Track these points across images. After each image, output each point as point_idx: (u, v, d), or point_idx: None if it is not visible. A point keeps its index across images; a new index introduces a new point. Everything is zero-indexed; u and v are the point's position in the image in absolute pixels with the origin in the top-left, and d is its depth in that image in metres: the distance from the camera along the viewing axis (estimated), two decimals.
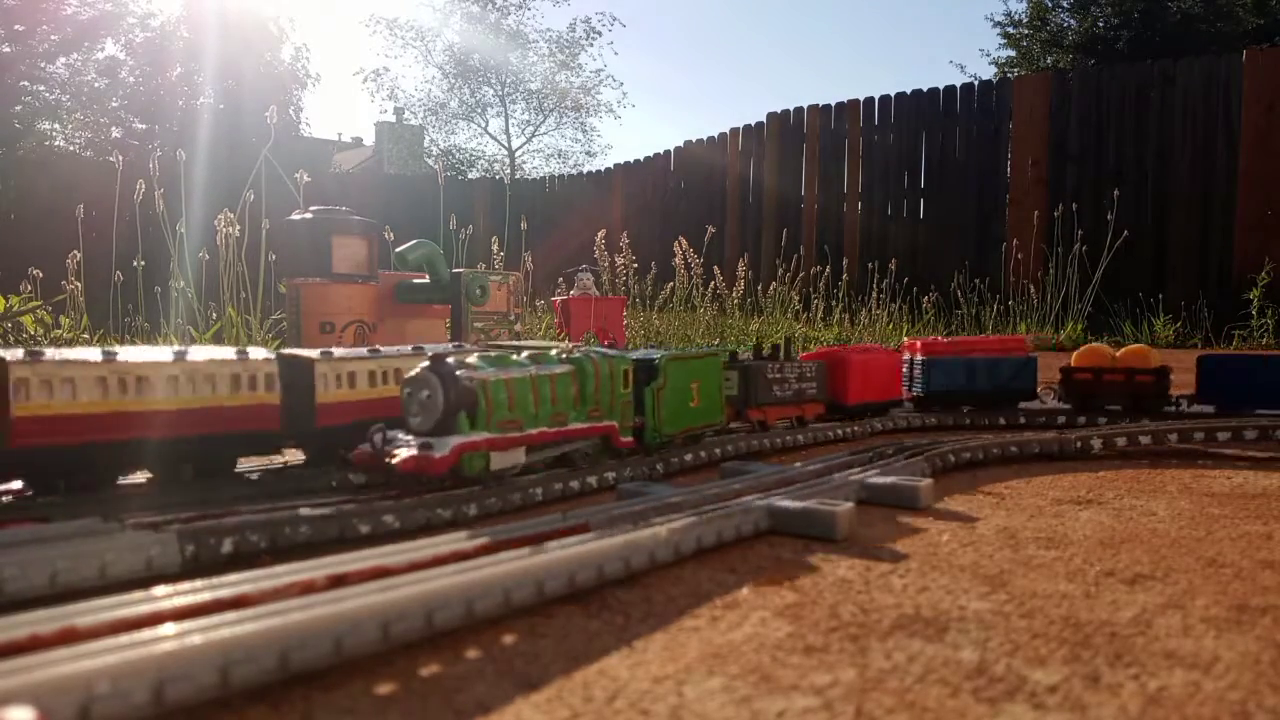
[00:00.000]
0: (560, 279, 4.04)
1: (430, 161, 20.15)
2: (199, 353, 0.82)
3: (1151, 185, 5.55)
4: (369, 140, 26.08)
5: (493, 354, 0.85)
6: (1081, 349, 1.44)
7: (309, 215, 1.47)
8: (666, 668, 0.48)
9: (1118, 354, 1.41)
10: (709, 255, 4.78)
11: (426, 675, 0.47)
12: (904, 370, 1.51)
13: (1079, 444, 1.16)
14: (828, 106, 6.92)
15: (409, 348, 1.00)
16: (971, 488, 0.97)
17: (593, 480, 0.92)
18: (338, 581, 0.52)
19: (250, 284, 2.53)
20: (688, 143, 8.16)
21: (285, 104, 11.67)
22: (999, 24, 13.15)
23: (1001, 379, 1.44)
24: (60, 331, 2.38)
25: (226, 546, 0.64)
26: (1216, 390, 1.37)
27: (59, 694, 0.36)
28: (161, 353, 0.79)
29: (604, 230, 4.38)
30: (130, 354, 0.77)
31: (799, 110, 7.06)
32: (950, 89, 6.40)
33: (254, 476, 0.89)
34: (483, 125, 20.06)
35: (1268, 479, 1.02)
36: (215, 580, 0.51)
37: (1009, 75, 11.09)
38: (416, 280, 1.63)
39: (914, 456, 1.02)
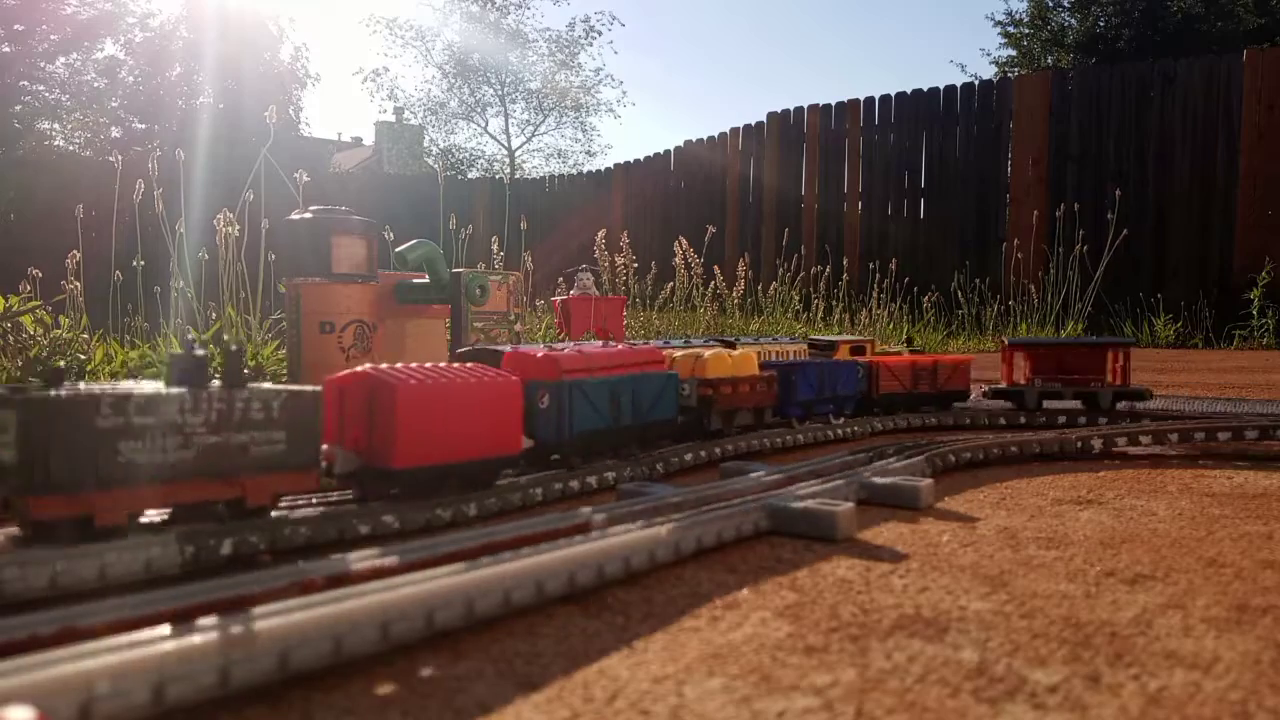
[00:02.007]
0: (560, 279, 4.04)
1: (430, 161, 20.15)
2: None
3: (1152, 185, 5.55)
4: (369, 140, 26.10)
5: None
6: (707, 359, 1.13)
7: (309, 215, 1.47)
8: (666, 668, 0.48)
9: (731, 360, 1.20)
10: (709, 255, 4.78)
11: (426, 675, 0.47)
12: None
13: (1079, 444, 1.16)
14: (828, 106, 6.92)
15: None
16: (971, 488, 0.97)
17: (592, 480, 0.92)
18: (338, 581, 0.52)
19: (250, 284, 2.53)
20: (688, 143, 8.16)
21: (285, 104, 11.67)
22: (999, 23, 13.16)
23: (644, 408, 0.99)
24: (60, 331, 2.38)
25: (226, 548, 0.64)
26: (795, 396, 1.27)
27: (59, 694, 0.36)
28: None
29: (604, 230, 4.38)
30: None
31: (799, 110, 7.06)
32: (950, 89, 6.40)
33: None
34: (482, 125, 20.08)
35: (1268, 479, 1.02)
36: (215, 581, 0.51)
37: (1009, 75, 11.09)
38: (416, 280, 1.63)
39: (914, 456, 1.01)
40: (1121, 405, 1.46)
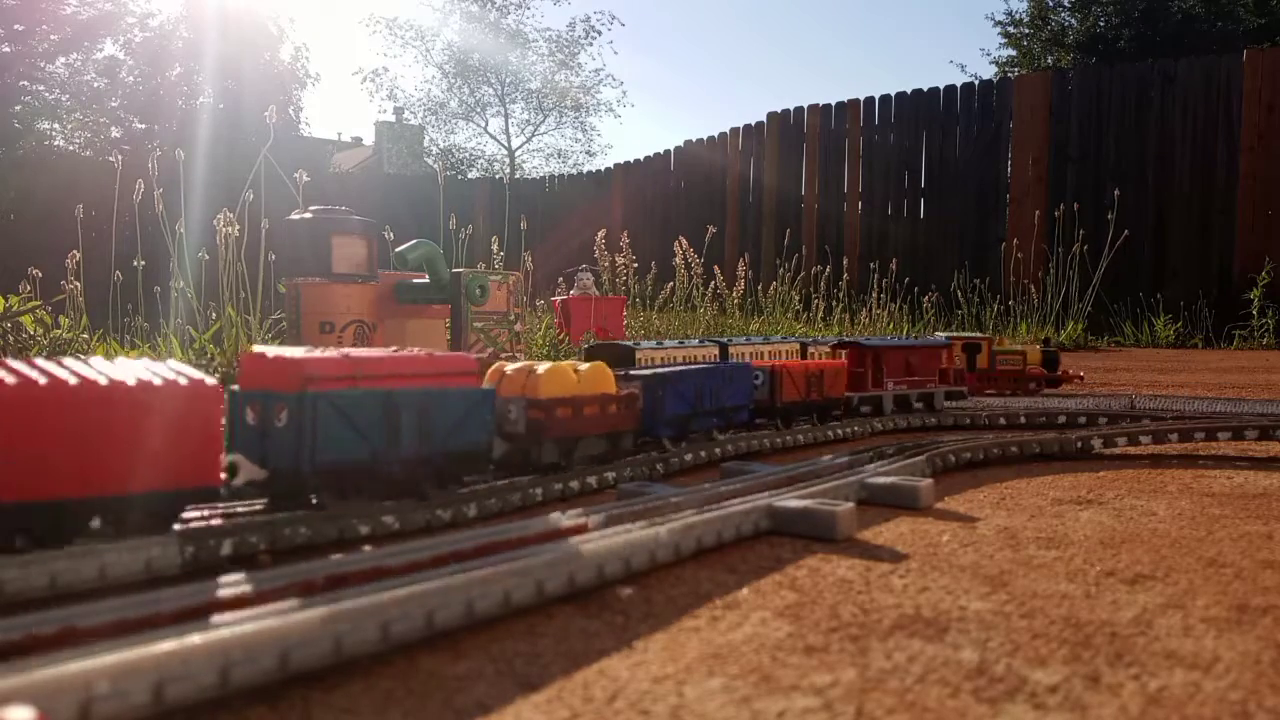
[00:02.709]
0: (560, 279, 4.04)
1: (430, 161, 20.17)
2: None
3: (1151, 185, 5.55)
4: (369, 140, 26.09)
5: None
6: (540, 374, 0.88)
7: (309, 215, 1.47)
8: (666, 668, 0.48)
9: (577, 376, 0.93)
10: (709, 255, 4.78)
11: (426, 675, 0.47)
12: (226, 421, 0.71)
13: (1079, 444, 1.16)
14: (828, 106, 6.92)
15: None
16: (971, 488, 0.97)
17: (592, 480, 0.92)
18: (338, 581, 0.52)
19: (250, 284, 2.53)
20: (688, 143, 8.17)
21: (285, 104, 11.68)
22: (1000, 23, 13.17)
23: (441, 433, 0.76)
24: (60, 331, 2.38)
25: (226, 548, 0.64)
26: (664, 413, 1.04)
27: (59, 694, 0.36)
28: None
29: (604, 230, 4.38)
30: None
31: (799, 110, 7.07)
32: (950, 89, 6.40)
33: None
34: (482, 125, 20.10)
35: (1268, 479, 1.02)
36: (215, 581, 0.51)
37: (1009, 75, 11.09)
38: (416, 280, 1.63)
39: (914, 456, 1.01)
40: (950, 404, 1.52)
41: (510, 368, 0.91)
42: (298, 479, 0.68)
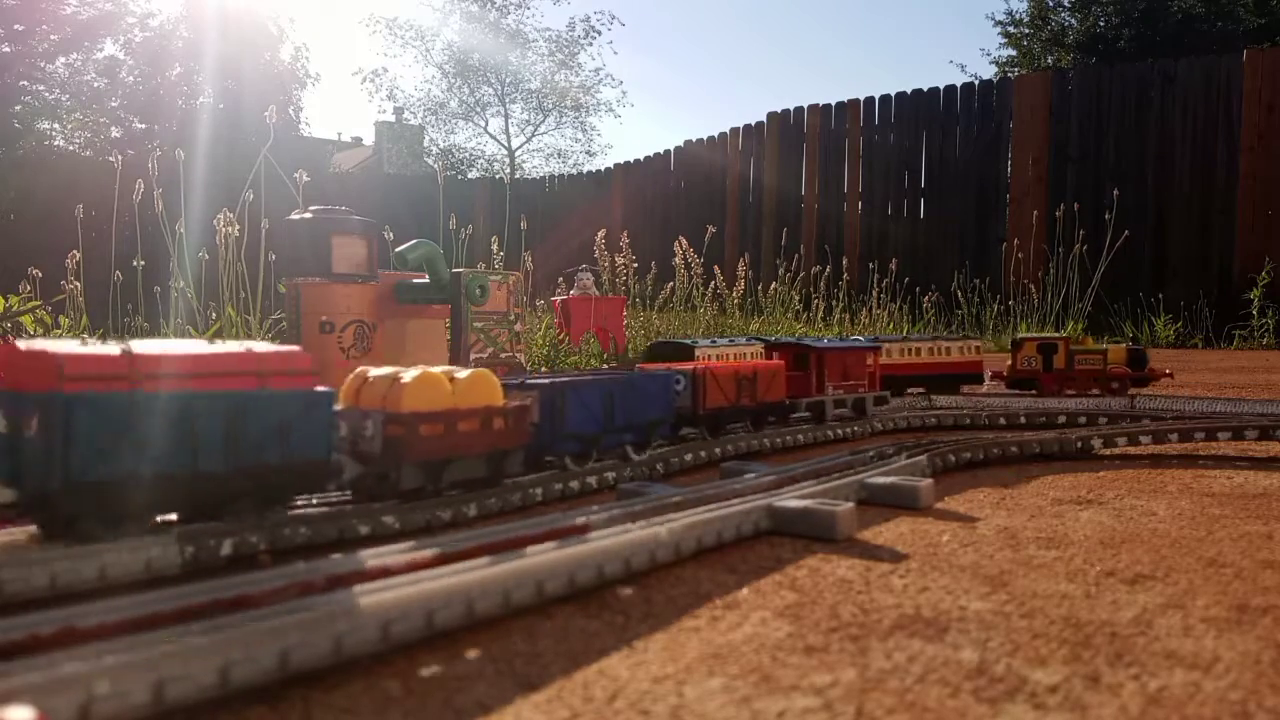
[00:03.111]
0: (560, 279, 4.04)
1: (430, 161, 20.18)
2: None
3: (1151, 185, 5.55)
4: (369, 140, 26.09)
5: None
6: (406, 383, 0.75)
7: (309, 215, 1.47)
8: (666, 668, 0.48)
9: (453, 386, 0.79)
10: (709, 255, 4.78)
11: (426, 675, 0.47)
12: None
13: (1079, 444, 1.16)
14: (828, 106, 6.92)
15: None
16: (971, 488, 0.97)
17: (592, 480, 0.92)
18: (337, 581, 0.52)
19: (250, 284, 2.53)
20: (688, 142, 8.17)
21: (285, 104, 11.68)
22: (1000, 23, 13.16)
23: (256, 445, 0.63)
24: (60, 331, 2.38)
25: (226, 548, 0.64)
26: (565, 428, 0.91)
27: (59, 694, 0.36)
28: None
29: (604, 230, 4.38)
30: None
31: (799, 110, 7.07)
32: (950, 89, 6.40)
33: None
34: (482, 125, 20.10)
35: (1268, 479, 1.02)
36: (215, 581, 0.51)
37: (1009, 75, 11.09)
38: (416, 280, 1.63)
39: (914, 456, 1.01)
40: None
41: (374, 373, 0.78)
42: (49, 501, 0.56)
